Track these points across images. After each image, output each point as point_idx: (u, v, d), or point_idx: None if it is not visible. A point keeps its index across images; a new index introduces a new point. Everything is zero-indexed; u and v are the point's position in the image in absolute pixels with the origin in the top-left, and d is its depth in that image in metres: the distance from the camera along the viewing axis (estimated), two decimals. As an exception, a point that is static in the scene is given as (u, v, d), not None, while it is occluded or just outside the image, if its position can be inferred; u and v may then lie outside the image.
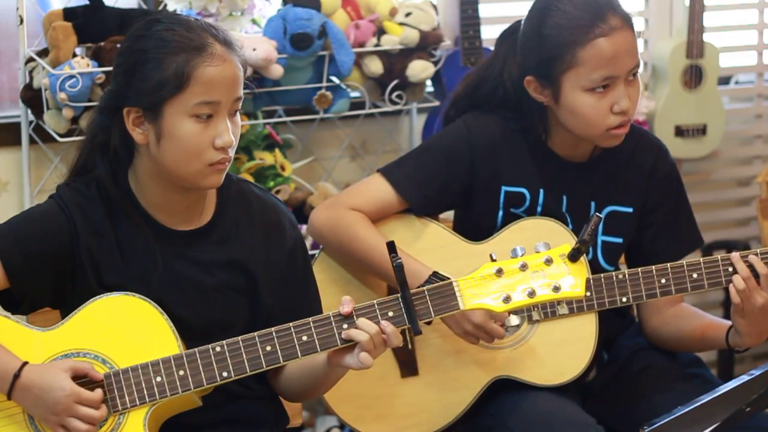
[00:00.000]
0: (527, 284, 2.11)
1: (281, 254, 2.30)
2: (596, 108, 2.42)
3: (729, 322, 2.51)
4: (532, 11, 2.49)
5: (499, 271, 2.12)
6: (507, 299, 2.11)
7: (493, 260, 2.13)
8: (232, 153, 2.17)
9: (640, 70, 2.55)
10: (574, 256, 2.11)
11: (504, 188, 2.56)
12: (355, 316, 2.13)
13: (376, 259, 2.46)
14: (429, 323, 2.20)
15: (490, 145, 2.55)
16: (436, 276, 2.27)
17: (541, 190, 2.55)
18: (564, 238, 2.40)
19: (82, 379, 2.11)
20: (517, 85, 2.52)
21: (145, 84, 2.12)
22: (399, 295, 2.14)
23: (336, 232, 2.53)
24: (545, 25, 2.43)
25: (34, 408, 2.10)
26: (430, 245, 2.56)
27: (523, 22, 2.51)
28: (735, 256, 2.42)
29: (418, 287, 2.16)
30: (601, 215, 2.14)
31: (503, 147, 2.56)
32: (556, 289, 2.10)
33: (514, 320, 2.18)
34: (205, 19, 3.10)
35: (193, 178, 2.17)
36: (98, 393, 2.09)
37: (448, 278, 2.14)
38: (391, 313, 2.14)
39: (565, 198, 2.56)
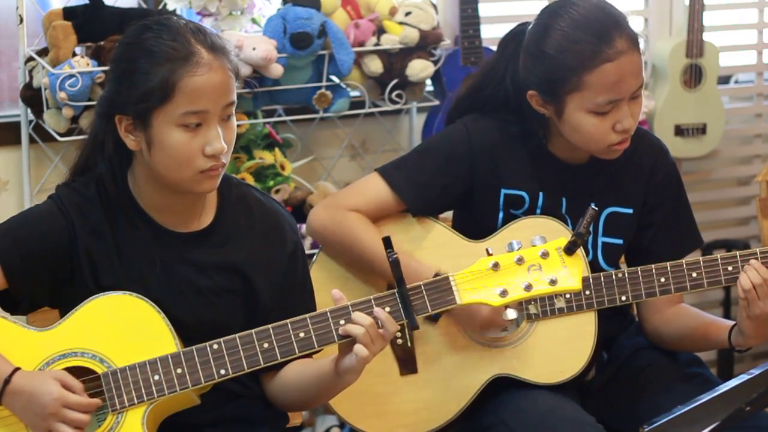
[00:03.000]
0: (524, 278, 2.10)
1: (281, 259, 2.30)
2: (598, 127, 2.41)
3: (731, 322, 2.51)
4: (535, 27, 2.46)
5: (496, 265, 2.11)
6: (504, 293, 2.11)
7: (489, 255, 2.13)
8: (225, 159, 2.16)
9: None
10: (570, 250, 2.11)
11: (503, 191, 2.55)
12: (351, 311, 2.13)
13: (378, 262, 2.44)
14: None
15: (489, 148, 2.55)
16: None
17: (541, 193, 2.54)
18: (563, 236, 2.40)
19: (82, 378, 2.11)
20: (519, 90, 2.51)
21: (133, 94, 2.11)
22: (396, 290, 2.14)
23: (337, 234, 2.52)
24: (548, 45, 2.40)
25: (23, 413, 2.10)
26: (428, 243, 2.56)
27: (527, 33, 2.48)
28: (756, 263, 2.40)
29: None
30: (596, 208, 2.14)
31: (503, 150, 2.55)
32: (553, 282, 2.10)
33: (511, 314, 2.17)
34: (204, 19, 3.13)
35: (185, 184, 2.16)
36: (96, 400, 2.10)
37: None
38: (388, 309, 2.13)
39: (564, 200, 2.56)
